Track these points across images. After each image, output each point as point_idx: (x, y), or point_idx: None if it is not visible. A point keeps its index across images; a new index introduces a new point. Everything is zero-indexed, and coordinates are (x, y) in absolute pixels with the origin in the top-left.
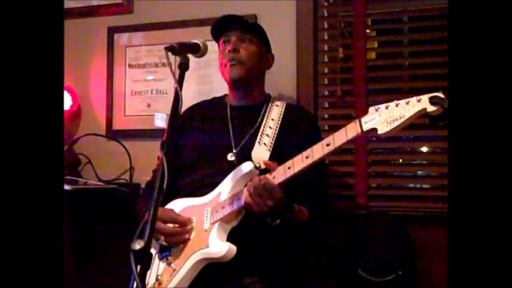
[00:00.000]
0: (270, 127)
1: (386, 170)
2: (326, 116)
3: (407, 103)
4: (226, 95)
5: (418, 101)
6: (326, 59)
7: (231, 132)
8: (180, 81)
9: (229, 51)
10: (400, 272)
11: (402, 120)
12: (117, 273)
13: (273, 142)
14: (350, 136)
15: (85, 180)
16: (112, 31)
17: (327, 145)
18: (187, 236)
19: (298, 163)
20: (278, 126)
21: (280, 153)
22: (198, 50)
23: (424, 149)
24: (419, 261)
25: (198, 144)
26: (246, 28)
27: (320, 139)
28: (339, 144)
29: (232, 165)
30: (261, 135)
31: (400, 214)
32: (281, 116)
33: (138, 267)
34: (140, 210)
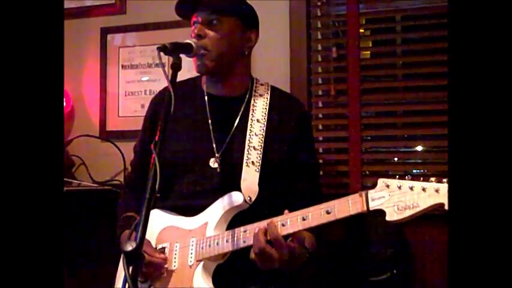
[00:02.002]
0: (256, 134)
1: (381, 169)
2: (320, 115)
3: (423, 189)
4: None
5: (436, 191)
6: (319, 59)
7: (211, 132)
8: (172, 81)
9: (193, 37)
10: (394, 271)
11: (415, 211)
12: (110, 274)
13: (261, 156)
14: (353, 211)
15: (79, 182)
16: (105, 32)
17: (327, 212)
18: (163, 271)
19: (294, 224)
20: (264, 131)
21: (270, 166)
22: (191, 50)
23: (419, 147)
24: (414, 260)
25: (177, 145)
26: (214, 7)
27: (309, 135)
28: (340, 217)
29: (216, 174)
30: (248, 150)
31: None
32: (266, 114)
33: (130, 268)
34: (121, 212)
